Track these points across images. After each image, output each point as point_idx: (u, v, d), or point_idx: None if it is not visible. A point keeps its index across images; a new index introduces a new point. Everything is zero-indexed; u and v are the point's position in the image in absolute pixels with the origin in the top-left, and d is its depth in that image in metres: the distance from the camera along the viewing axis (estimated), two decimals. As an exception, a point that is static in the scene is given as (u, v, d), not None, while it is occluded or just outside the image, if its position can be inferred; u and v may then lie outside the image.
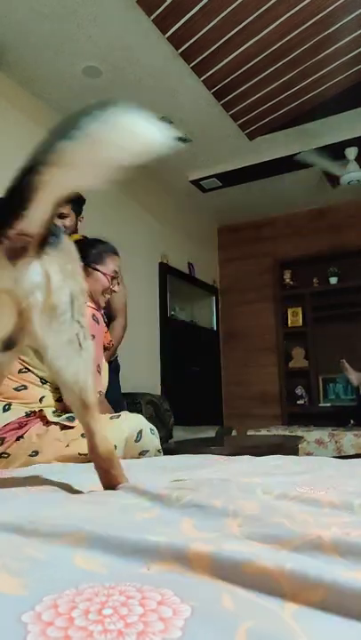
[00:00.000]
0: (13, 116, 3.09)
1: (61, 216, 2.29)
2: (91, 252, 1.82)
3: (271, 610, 0.37)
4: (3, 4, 2.50)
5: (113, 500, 0.71)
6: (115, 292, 1.87)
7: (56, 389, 1.61)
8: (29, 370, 1.61)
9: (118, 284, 1.89)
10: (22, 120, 3.15)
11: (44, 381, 1.61)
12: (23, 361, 1.62)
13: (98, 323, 1.66)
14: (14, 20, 2.60)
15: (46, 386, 1.61)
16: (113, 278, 1.82)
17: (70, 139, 0.65)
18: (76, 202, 2.38)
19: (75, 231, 2.36)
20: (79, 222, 2.39)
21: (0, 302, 0.75)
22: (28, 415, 1.55)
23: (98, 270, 1.80)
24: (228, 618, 0.36)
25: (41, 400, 1.60)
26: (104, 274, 1.80)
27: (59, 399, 1.61)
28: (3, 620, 0.36)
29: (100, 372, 1.64)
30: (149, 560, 0.45)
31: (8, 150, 3.02)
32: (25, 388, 1.59)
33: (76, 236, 2.00)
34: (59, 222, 2.21)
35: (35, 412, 1.57)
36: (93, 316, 1.64)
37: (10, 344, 0.84)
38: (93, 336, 1.59)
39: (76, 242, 1.81)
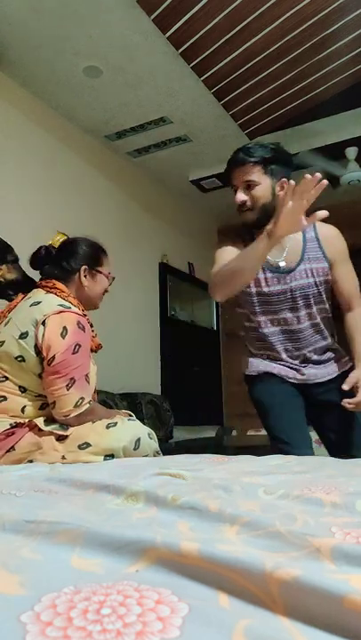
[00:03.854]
0: (13, 115, 3.09)
1: (249, 185, 1.65)
2: (89, 254, 1.76)
3: (267, 609, 0.37)
4: (3, 4, 2.50)
5: (109, 501, 0.71)
6: (107, 292, 1.82)
7: (37, 397, 1.56)
8: (7, 378, 1.54)
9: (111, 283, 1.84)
10: (22, 120, 3.15)
11: (23, 389, 1.55)
12: (1, 368, 1.55)
13: (84, 330, 1.57)
14: (15, 19, 2.60)
15: (26, 394, 1.55)
16: (111, 278, 1.81)
17: None
18: (279, 161, 1.66)
19: (264, 206, 1.64)
20: (277, 190, 1.64)
21: None
22: (13, 427, 1.51)
23: (101, 273, 1.76)
24: (225, 617, 0.37)
25: (23, 410, 1.54)
26: (106, 275, 1.78)
27: (41, 407, 1.57)
28: (2, 620, 0.36)
29: (88, 382, 1.58)
30: (144, 559, 0.45)
31: (8, 150, 3.02)
32: (4, 399, 1.53)
33: (61, 236, 1.82)
34: (242, 196, 1.66)
35: (20, 423, 1.52)
36: (78, 323, 1.55)
37: None
38: (80, 345, 1.54)
39: (69, 243, 1.76)
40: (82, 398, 1.53)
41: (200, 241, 5.23)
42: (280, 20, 2.66)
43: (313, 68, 3.10)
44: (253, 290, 1.72)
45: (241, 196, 1.66)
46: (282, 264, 1.70)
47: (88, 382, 1.58)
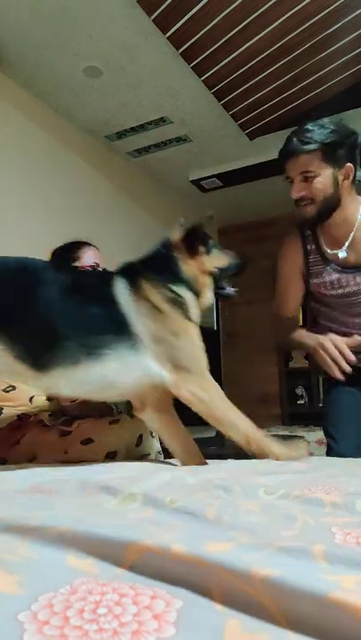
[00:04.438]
0: (13, 116, 3.09)
1: (306, 177, 1.44)
2: (55, 260, 1.80)
3: (259, 608, 0.38)
4: (3, 4, 2.51)
5: (107, 501, 0.71)
6: None
7: None
8: None
9: None
10: (22, 120, 3.15)
11: None
12: None
13: None
14: (15, 20, 2.60)
15: None
16: (94, 268, 1.79)
17: None
18: (341, 145, 1.40)
19: (325, 200, 1.42)
20: (340, 179, 1.42)
21: None
22: (20, 419, 1.52)
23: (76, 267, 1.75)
24: (218, 615, 0.37)
25: (31, 400, 1.56)
26: (82, 267, 1.77)
27: (49, 398, 1.57)
28: (0, 619, 0.36)
29: None
30: (139, 558, 0.46)
31: (8, 150, 3.02)
32: (13, 388, 1.55)
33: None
34: (298, 192, 1.48)
35: (27, 415, 1.53)
36: None
37: None
38: None
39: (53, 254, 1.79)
40: None
41: (200, 241, 5.23)
42: (280, 20, 2.66)
43: (313, 67, 3.10)
44: (322, 291, 1.60)
45: (297, 192, 1.45)
46: (341, 254, 1.49)
47: None
